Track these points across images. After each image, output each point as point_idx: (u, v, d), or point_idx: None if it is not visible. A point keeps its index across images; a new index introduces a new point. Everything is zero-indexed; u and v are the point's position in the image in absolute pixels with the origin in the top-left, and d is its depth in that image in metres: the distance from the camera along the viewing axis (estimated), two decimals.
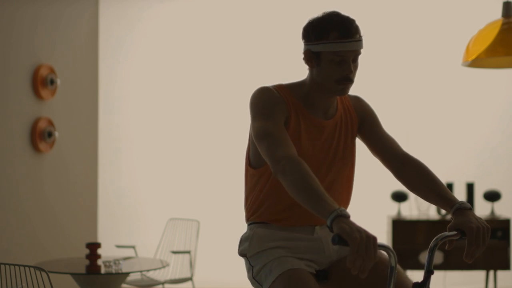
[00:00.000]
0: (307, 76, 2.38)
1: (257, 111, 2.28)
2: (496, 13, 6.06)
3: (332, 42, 2.24)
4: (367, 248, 1.81)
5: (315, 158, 2.35)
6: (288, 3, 6.40)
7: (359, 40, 2.26)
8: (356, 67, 2.31)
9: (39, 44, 5.57)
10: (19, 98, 5.31)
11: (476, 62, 3.71)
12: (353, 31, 2.25)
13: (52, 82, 5.60)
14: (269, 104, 2.28)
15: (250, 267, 2.37)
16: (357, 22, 2.30)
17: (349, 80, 2.28)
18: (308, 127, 2.34)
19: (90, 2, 6.45)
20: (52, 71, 5.64)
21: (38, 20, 5.57)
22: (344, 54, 2.24)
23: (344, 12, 2.37)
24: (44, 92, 5.52)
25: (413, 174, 2.32)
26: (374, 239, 1.83)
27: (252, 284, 2.37)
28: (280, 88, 2.37)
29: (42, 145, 5.50)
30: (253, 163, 2.41)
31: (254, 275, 2.34)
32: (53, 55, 5.75)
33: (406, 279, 2.25)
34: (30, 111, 5.43)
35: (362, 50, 2.30)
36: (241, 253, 2.43)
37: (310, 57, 2.32)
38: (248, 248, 2.38)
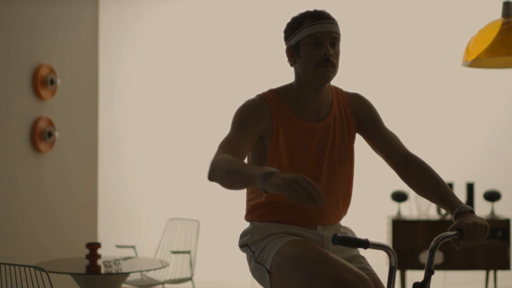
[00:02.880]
0: (294, 78, 2.39)
1: (232, 122, 2.32)
2: (496, 13, 6.06)
3: (306, 26, 2.29)
4: (299, 182, 1.79)
5: (309, 162, 2.33)
6: (289, 3, 6.40)
7: (333, 23, 2.30)
8: (336, 52, 2.31)
9: (39, 44, 5.57)
10: (19, 98, 5.31)
11: (476, 62, 3.71)
12: (325, 15, 2.30)
13: (52, 82, 5.60)
14: (244, 118, 2.29)
15: (251, 254, 2.35)
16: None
17: (329, 62, 2.27)
18: (298, 132, 2.33)
19: (90, 2, 6.45)
20: (52, 71, 5.64)
21: (38, 20, 5.57)
22: (320, 36, 2.27)
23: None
24: (44, 92, 5.52)
25: (416, 176, 2.32)
26: (304, 177, 1.81)
27: (255, 272, 2.34)
28: (269, 95, 2.37)
29: (42, 145, 5.50)
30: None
31: (256, 258, 2.32)
32: (53, 55, 5.75)
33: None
34: (30, 111, 5.42)
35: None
36: (242, 245, 2.41)
37: (291, 52, 2.35)
38: (250, 238, 2.37)
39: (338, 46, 2.32)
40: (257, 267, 2.31)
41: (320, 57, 2.27)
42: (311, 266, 2.09)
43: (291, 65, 2.39)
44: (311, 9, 2.34)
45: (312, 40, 2.27)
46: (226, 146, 2.23)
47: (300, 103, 2.35)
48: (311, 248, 2.16)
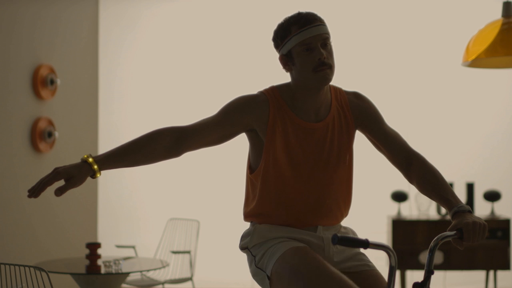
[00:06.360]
0: (291, 81, 2.38)
1: (223, 106, 2.38)
2: (496, 13, 6.06)
3: (295, 34, 2.28)
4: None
5: (307, 162, 2.32)
6: (289, 3, 6.40)
7: (319, 25, 2.28)
8: (329, 52, 2.30)
9: (39, 44, 5.57)
10: (19, 98, 5.31)
11: (476, 62, 3.71)
12: (311, 19, 2.29)
13: (52, 82, 5.60)
14: (235, 107, 2.34)
15: (252, 258, 2.34)
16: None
17: (325, 64, 2.26)
18: (296, 131, 2.32)
19: (90, 2, 6.44)
20: (52, 71, 5.64)
21: (38, 20, 5.57)
22: (310, 41, 2.26)
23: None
24: (44, 92, 5.52)
25: (419, 173, 2.31)
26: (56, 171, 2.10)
27: (255, 275, 2.33)
28: (269, 91, 2.37)
29: (42, 145, 5.50)
30: (252, 165, 2.40)
31: (256, 263, 2.31)
32: (53, 55, 5.75)
33: None
34: (30, 111, 5.42)
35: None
36: (242, 247, 2.41)
37: (284, 61, 2.35)
38: (250, 241, 2.36)
39: (330, 44, 2.31)
40: (258, 272, 2.31)
41: (315, 62, 2.26)
42: (311, 279, 2.09)
43: (285, 69, 2.38)
44: (295, 13, 2.33)
45: (303, 47, 2.27)
46: (196, 124, 2.31)
47: (298, 104, 2.34)
48: (312, 260, 2.16)
